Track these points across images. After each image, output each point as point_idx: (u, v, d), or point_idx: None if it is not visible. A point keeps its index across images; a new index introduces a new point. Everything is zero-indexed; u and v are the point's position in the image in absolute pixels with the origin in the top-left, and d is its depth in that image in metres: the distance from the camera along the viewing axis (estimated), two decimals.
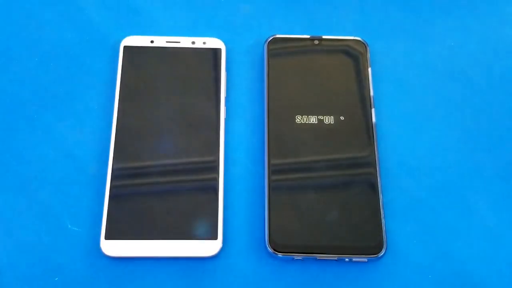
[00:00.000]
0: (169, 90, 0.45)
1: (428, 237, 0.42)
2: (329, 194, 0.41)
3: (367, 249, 0.40)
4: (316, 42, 0.47)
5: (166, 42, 0.46)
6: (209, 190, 0.42)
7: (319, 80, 0.45)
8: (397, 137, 0.45)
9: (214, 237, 0.40)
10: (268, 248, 0.40)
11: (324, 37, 0.47)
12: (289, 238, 0.40)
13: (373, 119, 0.44)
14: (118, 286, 0.40)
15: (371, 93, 0.45)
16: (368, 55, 0.47)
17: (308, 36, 0.47)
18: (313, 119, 0.44)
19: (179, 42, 0.47)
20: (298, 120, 0.44)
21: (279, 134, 0.43)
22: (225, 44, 0.47)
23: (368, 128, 0.44)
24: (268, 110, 0.44)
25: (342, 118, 0.44)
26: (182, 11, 0.49)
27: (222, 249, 0.40)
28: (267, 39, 0.47)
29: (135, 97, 0.44)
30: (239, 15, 0.49)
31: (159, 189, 0.42)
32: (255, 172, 0.43)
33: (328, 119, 0.44)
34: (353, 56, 0.47)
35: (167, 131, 0.43)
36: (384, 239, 0.40)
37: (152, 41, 0.46)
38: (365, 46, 0.47)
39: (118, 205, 0.41)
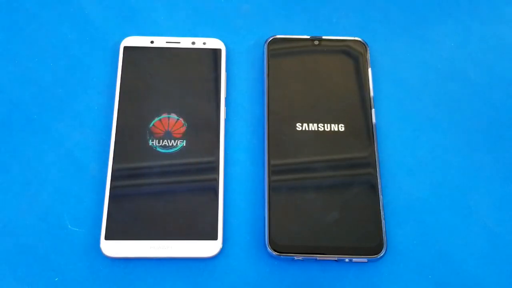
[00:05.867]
0: (169, 90, 0.45)
1: (428, 237, 0.42)
2: (329, 194, 0.41)
3: (367, 249, 0.40)
4: (316, 42, 0.47)
5: (166, 42, 0.46)
6: (209, 191, 0.42)
7: (319, 81, 0.45)
8: (397, 137, 0.45)
9: (214, 237, 0.40)
10: (268, 249, 0.40)
11: (324, 37, 0.47)
12: (289, 239, 0.40)
13: (373, 120, 0.44)
14: (118, 286, 0.40)
15: (371, 94, 0.45)
16: (368, 55, 0.47)
17: (308, 37, 0.47)
18: (313, 120, 0.44)
19: (179, 42, 0.47)
20: (298, 120, 0.44)
21: (279, 135, 0.43)
22: (225, 45, 0.47)
23: (368, 129, 0.44)
24: (268, 111, 0.44)
25: (342, 118, 0.44)
26: (182, 11, 0.49)
27: (222, 250, 0.40)
28: (267, 40, 0.47)
29: (135, 97, 0.44)
30: (239, 15, 0.49)
31: (159, 190, 0.42)
32: (255, 172, 0.43)
33: (328, 120, 0.44)
34: (353, 56, 0.47)
35: (167, 132, 0.43)
36: (384, 239, 0.40)
37: (152, 42, 0.46)
38: (365, 47, 0.47)
39: (118, 206, 0.41)
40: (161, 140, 0.43)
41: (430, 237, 0.42)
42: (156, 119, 0.44)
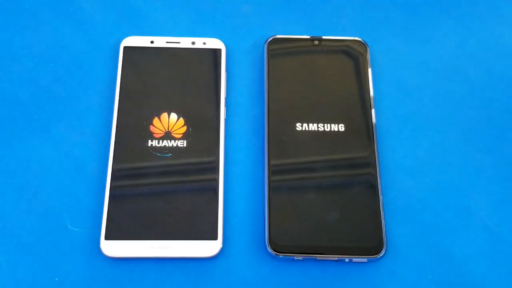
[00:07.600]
0: (169, 90, 0.45)
1: (428, 237, 0.42)
2: (329, 194, 0.41)
3: (367, 249, 0.40)
4: (316, 42, 0.47)
5: (166, 42, 0.46)
6: (209, 191, 0.42)
7: (319, 81, 0.45)
8: (397, 137, 0.45)
9: (214, 237, 0.40)
10: (268, 249, 0.40)
11: (324, 37, 0.47)
12: (289, 239, 0.40)
13: (373, 120, 0.44)
14: (118, 286, 0.40)
15: (371, 94, 0.45)
16: (368, 55, 0.47)
17: (308, 37, 0.47)
18: (313, 120, 0.44)
19: (179, 42, 0.47)
20: (298, 120, 0.44)
21: (279, 135, 0.43)
22: (225, 44, 0.47)
23: (368, 129, 0.44)
24: (268, 111, 0.44)
25: (342, 118, 0.44)
26: (182, 11, 0.49)
27: (222, 249, 0.40)
28: (267, 40, 0.47)
29: (135, 97, 0.44)
30: (239, 15, 0.49)
31: (159, 190, 0.42)
32: (255, 172, 0.43)
33: (328, 120, 0.44)
34: (353, 56, 0.47)
35: (167, 132, 0.43)
36: (384, 239, 0.40)
37: (152, 42, 0.46)
38: (365, 47, 0.47)
39: (118, 205, 0.41)
40: (160, 141, 0.43)
41: (430, 237, 0.42)
42: (156, 118, 0.44)
